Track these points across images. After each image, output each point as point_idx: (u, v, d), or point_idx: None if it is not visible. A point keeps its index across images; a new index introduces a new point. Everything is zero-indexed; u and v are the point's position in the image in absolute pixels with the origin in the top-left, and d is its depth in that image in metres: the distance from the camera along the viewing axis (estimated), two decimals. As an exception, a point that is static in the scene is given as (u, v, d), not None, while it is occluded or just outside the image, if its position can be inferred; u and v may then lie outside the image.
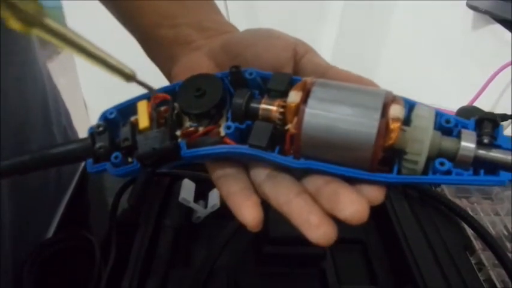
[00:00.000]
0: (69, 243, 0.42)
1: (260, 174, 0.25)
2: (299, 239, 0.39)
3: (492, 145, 0.22)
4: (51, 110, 0.46)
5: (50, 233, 0.44)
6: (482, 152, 0.22)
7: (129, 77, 0.22)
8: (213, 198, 0.44)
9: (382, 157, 0.22)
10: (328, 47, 1.14)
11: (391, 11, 1.06)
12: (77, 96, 1.13)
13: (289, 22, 1.07)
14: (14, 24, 0.17)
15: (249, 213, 0.23)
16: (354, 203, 0.21)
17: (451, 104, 0.66)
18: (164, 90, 0.27)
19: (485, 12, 0.74)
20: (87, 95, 1.21)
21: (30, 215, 0.42)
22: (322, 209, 0.22)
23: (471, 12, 0.77)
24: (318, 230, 0.21)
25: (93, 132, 0.26)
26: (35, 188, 0.43)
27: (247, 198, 0.24)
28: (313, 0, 1.11)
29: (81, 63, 1.17)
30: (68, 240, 0.42)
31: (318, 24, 1.15)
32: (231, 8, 0.99)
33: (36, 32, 0.18)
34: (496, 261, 0.39)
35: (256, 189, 0.25)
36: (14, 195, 0.39)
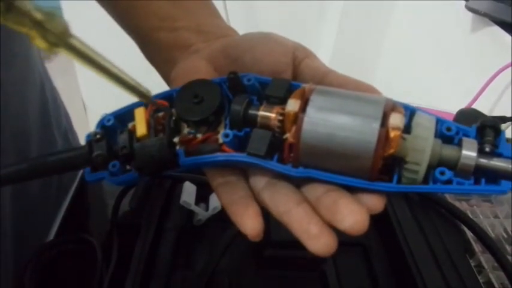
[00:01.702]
0: (70, 245, 0.42)
1: (259, 181, 0.25)
2: (300, 243, 0.39)
3: (493, 153, 0.22)
4: (51, 112, 0.46)
5: (51, 235, 0.44)
6: (483, 161, 0.22)
7: (146, 97, 0.23)
8: (214, 201, 0.44)
9: (382, 165, 0.22)
10: (327, 47, 1.14)
11: (390, 13, 1.06)
12: (75, 98, 1.13)
13: (289, 22, 1.07)
14: (40, 43, 0.17)
15: (249, 223, 0.22)
16: (353, 214, 0.21)
17: (450, 106, 0.67)
18: (162, 96, 0.27)
19: (484, 14, 0.74)
20: (86, 97, 1.21)
21: (32, 218, 0.42)
22: (322, 219, 0.21)
23: (470, 14, 0.77)
24: (317, 241, 0.21)
25: (91, 140, 0.25)
26: (37, 190, 0.43)
27: (248, 207, 0.23)
28: (313, 0, 1.11)
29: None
30: (69, 243, 0.42)
31: (318, 25, 1.16)
32: (230, 8, 0.99)
33: (60, 51, 0.18)
34: (496, 264, 0.39)
35: (255, 197, 0.24)
36: (16, 197, 0.39)
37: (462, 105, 0.68)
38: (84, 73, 1.17)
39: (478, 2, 0.76)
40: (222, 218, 0.43)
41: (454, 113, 0.64)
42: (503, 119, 0.61)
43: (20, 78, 0.39)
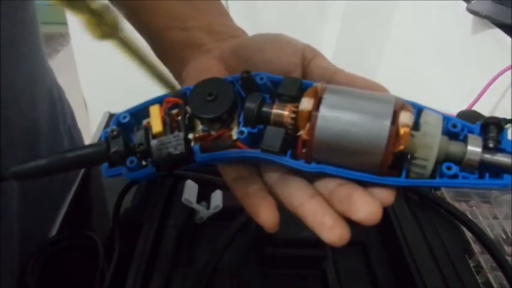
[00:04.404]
0: (72, 241, 0.42)
1: (272, 176, 0.26)
2: (301, 241, 0.40)
3: (497, 149, 0.23)
4: (57, 109, 0.46)
5: (54, 231, 0.44)
6: (487, 156, 0.23)
7: (175, 90, 0.24)
8: (216, 199, 0.44)
9: (391, 161, 0.23)
10: (329, 47, 1.14)
11: (392, 14, 1.06)
12: (76, 96, 1.13)
13: (291, 22, 1.08)
14: (93, 31, 0.18)
15: (266, 215, 0.23)
16: (368, 205, 0.21)
17: (451, 108, 0.67)
18: (175, 94, 0.27)
19: (485, 16, 0.74)
20: (87, 95, 1.21)
21: (36, 213, 0.43)
22: (336, 211, 0.22)
23: (471, 16, 0.78)
24: (332, 232, 0.21)
25: (108, 137, 0.26)
26: (42, 186, 0.43)
27: (263, 199, 0.24)
28: (315, 0, 1.12)
29: (81, 62, 1.17)
30: (72, 239, 0.42)
31: (319, 26, 1.16)
32: (232, 8, 1.00)
33: (110, 42, 0.19)
34: (494, 264, 0.39)
35: (269, 191, 0.25)
36: (22, 193, 0.39)
37: (462, 106, 0.68)
38: (85, 71, 1.18)
39: (479, 4, 0.76)
40: (223, 217, 0.43)
41: (454, 114, 0.64)
42: (504, 121, 0.61)
43: (29, 75, 0.39)
